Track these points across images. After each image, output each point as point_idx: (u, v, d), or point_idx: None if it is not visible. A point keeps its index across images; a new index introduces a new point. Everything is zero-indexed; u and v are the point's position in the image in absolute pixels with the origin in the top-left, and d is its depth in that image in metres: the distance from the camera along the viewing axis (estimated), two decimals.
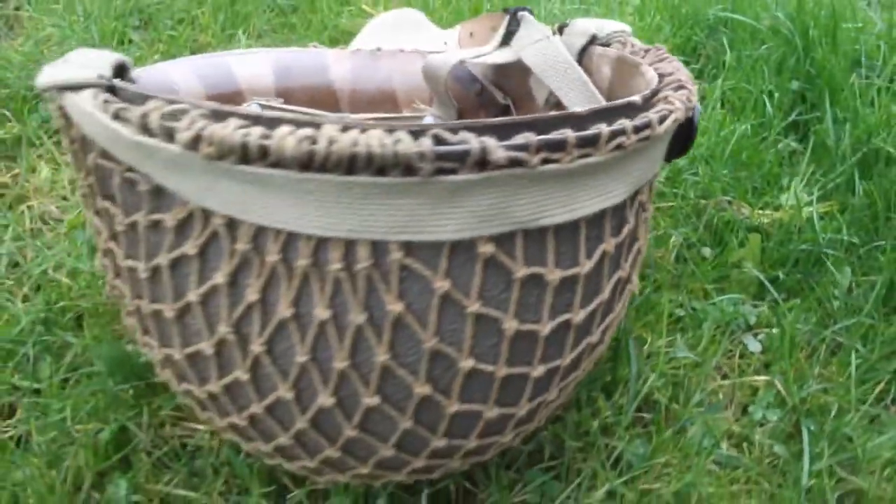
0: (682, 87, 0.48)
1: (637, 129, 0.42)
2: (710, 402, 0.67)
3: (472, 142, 0.37)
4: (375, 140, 0.36)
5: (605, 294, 0.47)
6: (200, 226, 0.41)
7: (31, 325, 0.71)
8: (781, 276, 0.78)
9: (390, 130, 0.37)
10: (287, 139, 0.36)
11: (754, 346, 0.74)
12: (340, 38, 1.09)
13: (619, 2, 1.23)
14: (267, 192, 0.38)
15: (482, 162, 0.37)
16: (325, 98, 0.76)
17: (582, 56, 0.63)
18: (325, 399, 0.43)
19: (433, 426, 0.45)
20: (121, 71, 0.46)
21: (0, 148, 0.88)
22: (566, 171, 0.40)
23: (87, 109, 0.42)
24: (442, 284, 0.40)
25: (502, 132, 0.38)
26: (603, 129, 0.40)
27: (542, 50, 0.63)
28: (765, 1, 1.08)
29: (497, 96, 0.71)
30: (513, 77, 0.70)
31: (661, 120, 0.44)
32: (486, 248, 0.40)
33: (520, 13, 0.68)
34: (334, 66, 0.77)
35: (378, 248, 0.39)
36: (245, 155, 0.37)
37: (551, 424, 0.62)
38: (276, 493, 0.59)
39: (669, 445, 0.63)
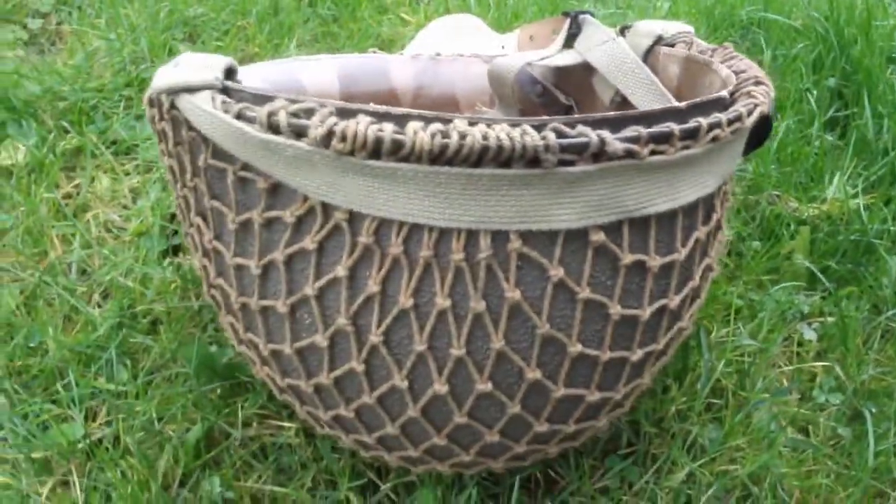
0: (760, 83, 0.50)
1: (730, 122, 0.44)
2: (775, 388, 0.69)
3: (591, 135, 0.39)
4: (504, 133, 0.38)
5: (696, 280, 0.49)
6: (321, 220, 0.43)
7: (108, 330, 0.73)
8: (833, 265, 0.80)
9: (515, 125, 0.39)
10: (420, 134, 0.38)
11: (810, 334, 0.76)
12: (382, 46, 1.11)
13: (651, 6, 1.26)
14: (393, 185, 0.40)
15: (599, 153, 0.39)
16: (388, 102, 0.78)
17: (647, 56, 0.65)
18: (439, 387, 0.45)
19: (538, 411, 0.47)
20: (230, 73, 0.48)
21: (61, 159, 0.90)
22: (671, 162, 0.42)
23: (207, 109, 0.44)
24: (556, 272, 0.42)
25: (614, 125, 0.40)
26: (702, 121, 0.42)
27: (609, 51, 0.66)
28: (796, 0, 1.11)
29: (559, 97, 0.73)
30: (574, 78, 0.73)
31: (750, 113, 0.46)
32: (597, 237, 0.42)
33: (581, 16, 0.71)
34: (396, 71, 0.79)
35: (498, 238, 0.41)
36: (377, 150, 0.39)
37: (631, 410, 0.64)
38: (363, 487, 0.61)
39: (739, 430, 0.65)
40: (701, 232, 0.48)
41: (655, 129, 0.41)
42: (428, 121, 0.39)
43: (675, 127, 0.41)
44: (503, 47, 0.79)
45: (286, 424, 0.65)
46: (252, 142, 0.42)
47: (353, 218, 0.43)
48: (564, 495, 0.61)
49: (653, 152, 0.41)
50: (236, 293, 0.50)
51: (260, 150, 0.43)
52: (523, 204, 0.40)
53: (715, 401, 0.67)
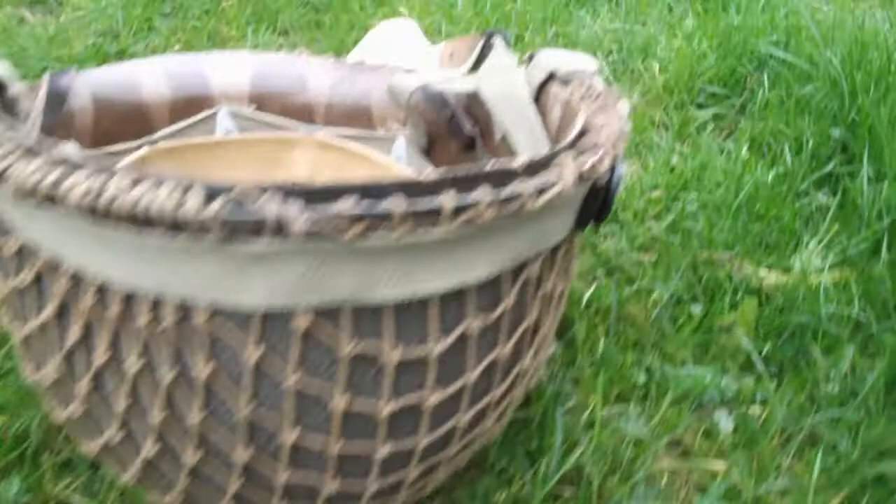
0: (595, 149, 0.42)
1: (499, 203, 0.37)
2: (651, 484, 0.61)
3: (270, 210, 0.33)
4: (160, 199, 0.32)
5: (473, 375, 0.42)
6: (30, 260, 0.39)
7: None
8: (772, 348, 0.71)
9: (186, 188, 0.33)
10: (73, 190, 0.33)
11: (726, 424, 0.67)
12: None
13: (672, 24, 1.15)
14: (81, 236, 0.36)
15: (284, 231, 0.33)
16: (301, 109, 0.74)
17: (540, 93, 0.58)
18: (149, 450, 0.41)
19: (265, 498, 0.42)
20: None
21: None
22: (398, 246, 0.36)
23: None
24: (253, 352, 0.37)
25: (320, 197, 0.34)
26: (445, 202, 0.36)
27: (501, 83, 0.59)
28: (821, 37, 0.98)
29: (465, 126, 0.66)
30: (483, 106, 0.66)
31: (541, 192, 0.38)
32: (303, 321, 0.36)
33: (494, 38, 0.63)
34: (313, 77, 0.74)
35: (185, 307, 0.36)
36: (43, 196, 0.34)
37: (457, 488, 0.58)
38: None
39: None
40: (473, 323, 0.41)
41: (381, 207, 0.34)
42: (93, 173, 0.34)
43: (400, 206, 0.34)
44: (425, 62, 0.72)
45: None
46: None
47: (54, 263, 0.38)
48: None
49: (367, 231, 0.34)
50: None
51: None
52: (205, 274, 0.35)
53: (572, 489, 0.60)
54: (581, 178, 0.40)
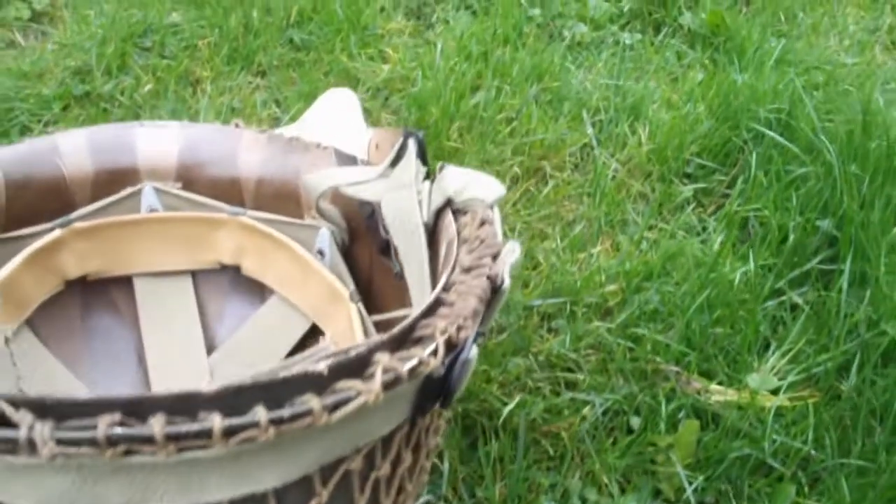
0: (427, 341, 0.38)
1: (281, 421, 0.33)
2: None
3: (21, 431, 0.30)
4: None
5: None
6: None
7: None
8: (707, 479, 0.65)
9: None
10: None
11: None
12: (347, 82, 1.02)
13: (675, 75, 1.08)
14: None
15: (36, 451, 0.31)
16: (230, 188, 0.70)
17: (438, 218, 0.53)
18: None
19: None
20: None
21: None
22: (169, 462, 0.32)
23: None
24: None
25: (75, 413, 0.31)
26: (215, 423, 0.32)
27: (399, 202, 0.54)
28: (819, 117, 0.90)
29: (382, 228, 0.62)
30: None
31: (336, 407, 0.34)
32: None
33: (410, 139, 0.59)
34: (244, 152, 0.71)
35: None
36: None
37: None
38: None
39: None
40: None
41: (141, 430, 0.31)
42: None
43: (157, 426, 0.31)
44: (355, 147, 0.68)
45: None
46: None
47: None
48: None
49: (127, 453, 0.31)
50: None
51: None
52: None
53: None
54: (397, 381, 0.36)
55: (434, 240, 0.52)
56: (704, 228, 0.88)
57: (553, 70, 1.01)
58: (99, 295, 0.69)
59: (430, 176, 0.58)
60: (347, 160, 0.67)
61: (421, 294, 0.51)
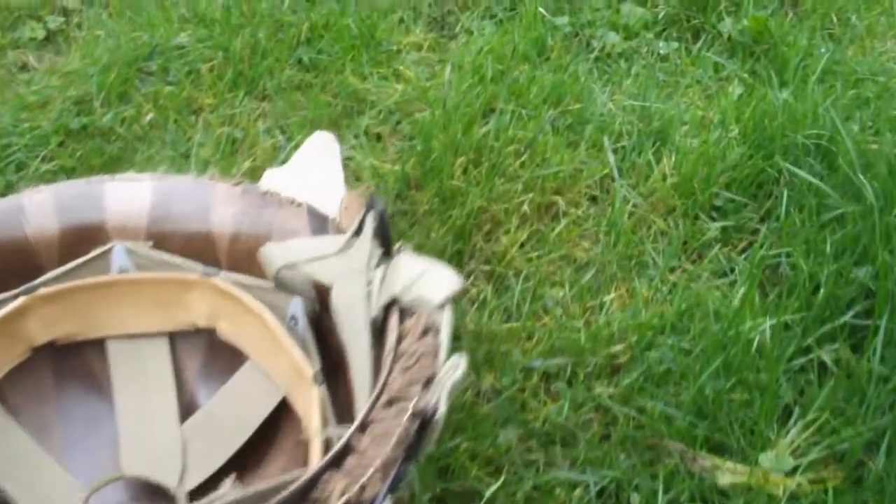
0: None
1: None
2: None
3: None
4: None
5: None
6: None
7: None
8: None
9: None
10: None
11: None
12: (355, 105, 0.97)
13: (712, 93, 0.99)
14: None
15: None
16: (203, 244, 0.67)
17: (386, 312, 0.48)
18: None
19: None
20: None
21: None
22: None
23: None
24: None
25: None
26: None
27: (349, 292, 0.50)
28: (872, 131, 0.81)
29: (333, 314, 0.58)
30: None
31: None
32: None
33: (372, 212, 0.54)
34: (218, 206, 0.67)
35: None
36: None
37: None
38: None
39: None
40: None
41: None
42: None
43: None
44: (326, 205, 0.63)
45: None
46: None
47: None
48: None
49: None
50: None
51: None
52: None
53: None
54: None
55: (380, 339, 0.48)
56: (732, 269, 0.80)
57: (575, 90, 0.94)
58: (72, 359, 0.67)
59: (389, 252, 0.53)
60: (319, 221, 0.63)
61: (363, 402, 0.46)
